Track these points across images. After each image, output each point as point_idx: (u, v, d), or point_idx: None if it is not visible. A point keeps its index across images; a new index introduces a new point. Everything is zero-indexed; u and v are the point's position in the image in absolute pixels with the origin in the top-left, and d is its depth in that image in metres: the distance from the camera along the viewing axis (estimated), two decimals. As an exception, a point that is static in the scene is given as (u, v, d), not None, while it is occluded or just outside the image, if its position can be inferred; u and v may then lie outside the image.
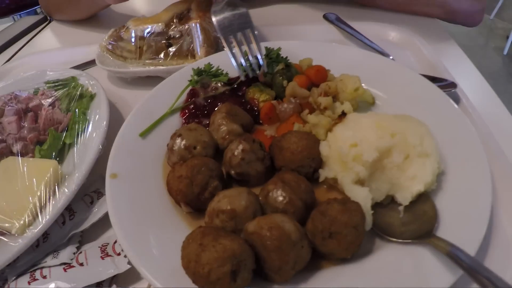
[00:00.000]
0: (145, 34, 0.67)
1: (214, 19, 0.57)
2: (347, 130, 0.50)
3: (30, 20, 1.16)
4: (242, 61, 0.56)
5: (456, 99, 0.64)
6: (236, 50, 0.56)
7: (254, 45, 0.56)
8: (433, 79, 0.66)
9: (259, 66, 0.57)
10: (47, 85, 0.71)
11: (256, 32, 0.57)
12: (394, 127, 0.50)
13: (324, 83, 0.57)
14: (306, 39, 0.75)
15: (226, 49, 0.55)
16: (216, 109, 0.53)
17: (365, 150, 0.47)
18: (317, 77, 0.58)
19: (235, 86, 0.58)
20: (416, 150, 0.49)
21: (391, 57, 0.72)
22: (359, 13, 0.83)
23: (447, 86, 0.65)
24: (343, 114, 0.55)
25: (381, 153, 0.48)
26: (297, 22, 0.81)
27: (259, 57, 0.56)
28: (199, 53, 0.65)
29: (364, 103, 0.61)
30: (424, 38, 0.78)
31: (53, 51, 0.93)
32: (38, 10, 4.11)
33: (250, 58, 0.56)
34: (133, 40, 0.67)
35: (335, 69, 0.62)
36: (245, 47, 0.56)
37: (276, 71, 0.57)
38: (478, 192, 0.46)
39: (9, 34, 1.10)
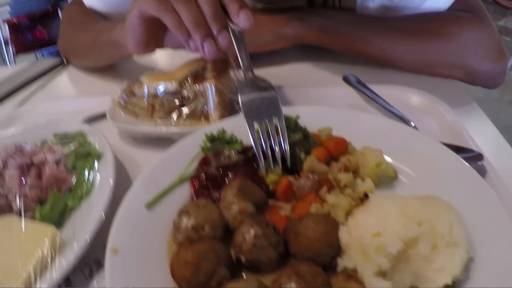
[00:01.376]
0: (158, 92, 0.65)
1: (240, 99, 0.54)
2: (369, 217, 0.46)
3: (47, 62, 1.17)
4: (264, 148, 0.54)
5: (483, 172, 0.60)
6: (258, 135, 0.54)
7: (281, 137, 0.54)
8: (458, 150, 0.62)
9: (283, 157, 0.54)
10: (55, 138, 0.69)
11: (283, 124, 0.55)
12: (420, 214, 0.46)
13: (345, 157, 0.54)
14: (325, 103, 0.72)
15: (250, 137, 0.53)
16: (227, 184, 0.50)
17: (389, 241, 0.43)
18: (337, 150, 0.55)
19: (250, 155, 0.55)
20: (445, 240, 0.44)
21: (412, 124, 0.69)
22: (380, 74, 0.82)
23: (473, 158, 0.62)
24: (365, 196, 0.51)
25: (406, 244, 0.43)
26: (315, 83, 0.79)
27: (284, 148, 0.53)
28: (213, 116, 0.63)
29: (386, 177, 0.57)
30: (446, 101, 0.75)
31: (65, 99, 0.92)
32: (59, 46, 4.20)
33: (275, 148, 0.53)
34: (145, 97, 0.65)
35: (356, 139, 0.58)
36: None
37: (294, 142, 0.54)
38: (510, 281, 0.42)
39: (24, 76, 1.11)
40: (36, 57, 4.47)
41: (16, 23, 3.74)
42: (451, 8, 0.85)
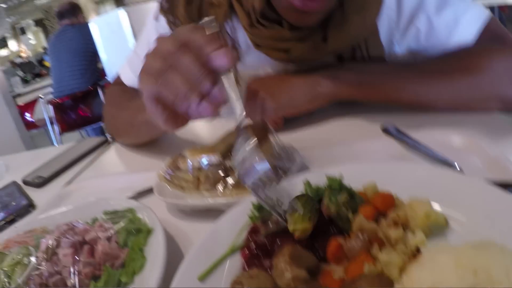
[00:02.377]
0: (202, 165, 0.67)
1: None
2: (423, 272, 0.45)
3: (93, 141, 1.23)
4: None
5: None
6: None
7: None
8: (507, 186, 0.59)
9: None
10: (105, 215, 0.72)
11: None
12: (475, 262, 0.44)
13: (393, 211, 0.53)
14: (366, 157, 0.72)
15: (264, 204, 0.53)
16: (278, 251, 0.50)
17: (446, 295, 0.41)
18: (384, 205, 0.54)
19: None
20: (503, 286, 0.42)
21: (457, 166, 0.67)
22: (418, 118, 0.81)
23: None
24: (417, 251, 0.49)
25: (464, 296, 0.42)
26: (355, 137, 0.79)
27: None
28: (257, 184, 0.64)
29: (437, 226, 0.55)
30: (488, 136, 0.73)
31: (112, 176, 0.96)
32: (104, 128, 4.47)
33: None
34: (190, 170, 0.67)
35: (402, 191, 0.57)
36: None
37: (340, 203, 0.54)
38: None
39: (71, 155, 1.16)
40: (81, 134, 4.72)
41: (60, 103, 3.98)
42: (477, 40, 0.85)
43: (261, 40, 0.86)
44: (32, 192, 1.00)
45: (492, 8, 6.97)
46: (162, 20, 0.97)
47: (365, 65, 0.86)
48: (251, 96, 0.86)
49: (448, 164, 0.68)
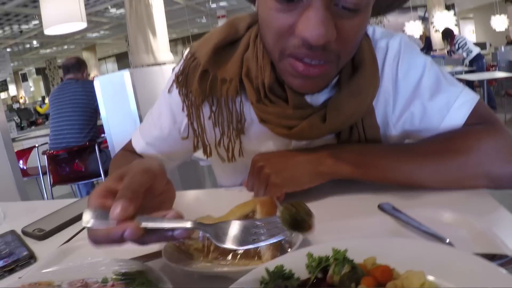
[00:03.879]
0: (213, 234, 0.70)
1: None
2: None
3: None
4: None
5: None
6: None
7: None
8: (493, 257, 0.65)
9: None
10: (115, 275, 0.73)
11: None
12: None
13: (391, 282, 0.57)
14: (364, 233, 0.76)
15: None
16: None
17: None
18: (384, 277, 0.58)
19: (308, 288, 0.59)
20: None
21: (447, 240, 0.72)
22: (411, 197, 0.87)
23: (507, 262, 0.63)
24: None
25: None
26: (353, 214, 0.84)
27: None
28: (266, 256, 0.67)
29: (432, 297, 0.60)
30: (476, 211, 0.79)
31: (118, 236, 0.97)
32: (95, 182, 4.49)
33: None
34: (200, 238, 0.71)
35: (399, 264, 0.62)
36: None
37: (343, 274, 0.59)
38: None
39: (75, 211, 1.16)
40: (72, 188, 4.69)
41: (55, 154, 3.99)
42: (467, 123, 0.93)
43: (266, 115, 0.91)
44: (31, 244, 1.00)
45: (481, 82, 7.30)
46: (175, 93, 1.04)
47: (364, 147, 0.93)
48: (256, 171, 0.92)
49: (440, 239, 0.74)
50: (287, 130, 0.90)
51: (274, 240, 0.57)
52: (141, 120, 3.14)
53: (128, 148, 1.20)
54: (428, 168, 0.87)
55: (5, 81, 16.56)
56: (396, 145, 0.95)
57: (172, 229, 0.56)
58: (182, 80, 1.01)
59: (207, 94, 0.97)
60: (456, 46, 8.65)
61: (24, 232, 1.08)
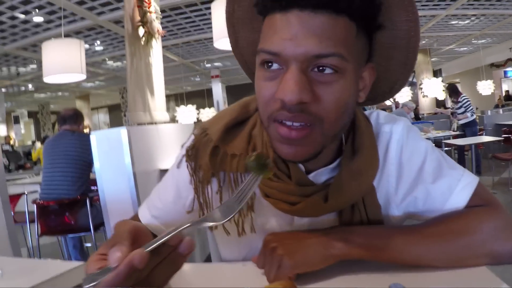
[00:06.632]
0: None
1: None
2: None
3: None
4: None
5: None
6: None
7: None
8: None
9: None
10: None
11: None
12: None
13: None
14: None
15: None
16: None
17: None
18: None
19: None
20: None
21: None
22: (419, 276, 0.92)
23: None
24: None
25: None
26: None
27: None
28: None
29: None
30: (479, 286, 0.83)
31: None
32: (83, 237, 4.38)
33: None
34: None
35: None
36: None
37: None
38: None
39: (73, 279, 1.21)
40: (58, 240, 4.60)
41: (45, 205, 3.89)
42: (468, 205, 0.99)
43: (270, 190, 0.95)
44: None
45: (470, 145, 7.25)
46: (183, 168, 1.08)
47: (373, 229, 0.97)
48: (269, 252, 0.96)
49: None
50: (289, 206, 0.93)
51: None
52: (135, 177, 3.18)
53: (133, 217, 1.22)
54: (434, 249, 0.92)
55: (-4, 120, 16.50)
56: (402, 227, 0.99)
57: (176, 245, 0.63)
58: (192, 154, 1.06)
59: (216, 169, 1.01)
60: (459, 105, 8.23)
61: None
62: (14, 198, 5.05)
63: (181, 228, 0.64)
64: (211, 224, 0.68)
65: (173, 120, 11.41)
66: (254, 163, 0.78)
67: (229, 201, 0.72)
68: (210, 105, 16.33)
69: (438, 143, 7.53)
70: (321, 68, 0.77)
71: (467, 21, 11.75)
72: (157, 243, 0.59)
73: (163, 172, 3.46)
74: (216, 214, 0.69)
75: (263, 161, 0.78)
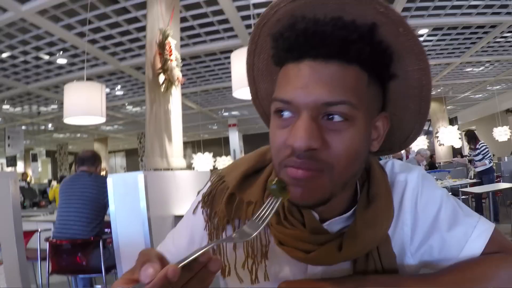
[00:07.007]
0: None
1: None
2: None
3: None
4: None
5: None
6: None
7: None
8: None
9: None
10: None
11: None
12: None
13: None
14: None
15: None
16: None
17: None
18: None
19: None
20: None
21: None
22: None
23: None
24: None
25: None
26: None
27: None
28: None
29: None
30: None
31: None
32: (93, 279, 4.38)
33: None
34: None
35: None
36: None
37: None
38: None
39: None
40: (68, 280, 4.59)
41: (58, 244, 3.91)
42: (484, 252, 0.98)
43: (284, 237, 0.96)
44: None
45: (488, 193, 7.11)
46: (198, 214, 1.10)
47: (387, 278, 0.96)
48: None
49: None
50: (303, 254, 0.93)
51: None
52: (149, 222, 3.20)
53: None
54: None
55: (14, 157, 16.72)
56: (417, 276, 0.99)
57: (206, 262, 0.65)
58: (208, 201, 1.08)
59: (232, 216, 1.03)
60: (477, 152, 8.08)
61: None
62: (27, 235, 5.05)
63: (213, 244, 0.68)
64: (240, 240, 0.72)
65: (189, 167, 11.29)
66: (275, 186, 0.83)
67: (251, 222, 0.77)
68: (227, 153, 16.33)
69: (455, 191, 7.36)
70: (331, 116, 0.80)
71: (481, 68, 11.79)
72: (190, 259, 0.60)
73: (178, 218, 3.55)
74: (242, 233, 0.74)
75: (283, 184, 0.83)
